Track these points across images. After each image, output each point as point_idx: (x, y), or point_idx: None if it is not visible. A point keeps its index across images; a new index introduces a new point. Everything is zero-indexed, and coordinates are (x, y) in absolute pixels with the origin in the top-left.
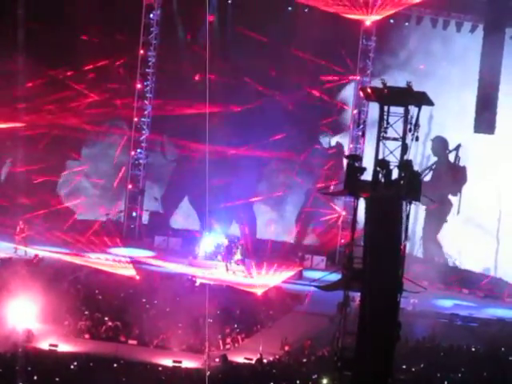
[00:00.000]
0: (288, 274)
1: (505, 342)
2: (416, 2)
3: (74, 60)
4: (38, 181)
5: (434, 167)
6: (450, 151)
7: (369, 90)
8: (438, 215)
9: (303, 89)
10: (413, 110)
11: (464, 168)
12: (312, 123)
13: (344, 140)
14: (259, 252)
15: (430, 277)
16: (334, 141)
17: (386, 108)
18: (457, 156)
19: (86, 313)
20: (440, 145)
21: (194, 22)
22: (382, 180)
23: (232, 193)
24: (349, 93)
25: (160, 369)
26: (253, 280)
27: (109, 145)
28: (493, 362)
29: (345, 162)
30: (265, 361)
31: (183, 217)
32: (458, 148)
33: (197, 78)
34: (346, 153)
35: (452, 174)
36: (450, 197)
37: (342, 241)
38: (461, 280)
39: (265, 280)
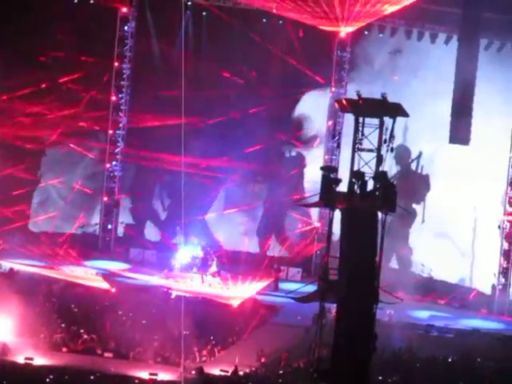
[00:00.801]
0: (263, 285)
1: (480, 353)
2: (389, 13)
3: (49, 73)
4: (13, 193)
5: (397, 176)
6: (413, 160)
7: (344, 102)
8: (403, 224)
9: (277, 100)
10: (388, 121)
11: (427, 176)
12: (282, 135)
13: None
14: (235, 263)
15: (405, 288)
16: (294, 151)
17: (361, 119)
18: (419, 165)
19: (62, 326)
20: (403, 154)
21: (168, 33)
22: (358, 191)
23: (206, 204)
24: (317, 104)
25: (136, 381)
26: (228, 292)
27: (84, 157)
28: (469, 372)
29: (306, 171)
30: (241, 373)
31: (157, 229)
32: (419, 157)
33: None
34: (322, 164)
35: (415, 183)
36: (414, 205)
37: (318, 252)
38: (436, 291)
39: (240, 292)
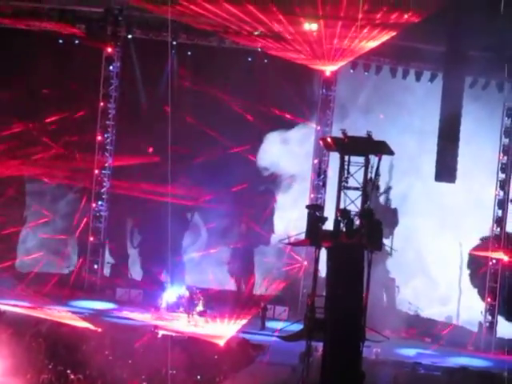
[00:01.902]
0: (250, 324)
1: None
2: (374, 52)
3: (36, 112)
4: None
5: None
6: (381, 194)
7: (329, 140)
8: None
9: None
10: (373, 159)
11: (395, 210)
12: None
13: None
14: (221, 302)
15: (392, 326)
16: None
17: (346, 158)
18: (387, 198)
19: (49, 366)
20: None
21: (153, 73)
22: (344, 229)
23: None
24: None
25: None
26: (215, 331)
27: (70, 197)
28: None
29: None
30: None
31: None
32: (388, 190)
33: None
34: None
35: (383, 217)
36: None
37: (304, 291)
38: (423, 328)
39: (227, 330)
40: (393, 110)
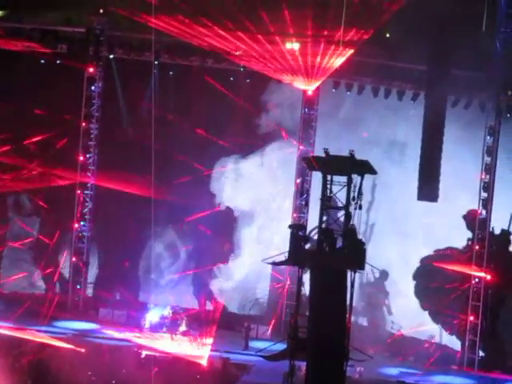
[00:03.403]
0: (233, 343)
1: None
2: (353, 70)
3: (17, 131)
4: None
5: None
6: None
7: (311, 160)
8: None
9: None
10: (356, 178)
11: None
12: None
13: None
14: (205, 322)
15: (375, 345)
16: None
17: (329, 177)
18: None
19: None
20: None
21: (135, 93)
22: (327, 249)
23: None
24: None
25: None
26: (198, 351)
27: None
28: None
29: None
30: None
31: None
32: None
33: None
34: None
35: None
36: None
37: (287, 310)
38: (406, 348)
39: (210, 351)
40: (376, 129)
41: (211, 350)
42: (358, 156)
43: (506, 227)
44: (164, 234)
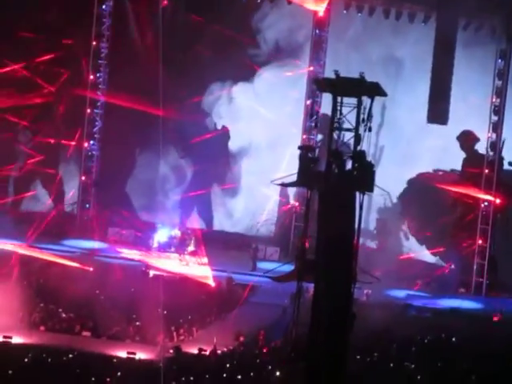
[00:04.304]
0: (241, 264)
1: (456, 332)
2: None
3: (26, 52)
4: None
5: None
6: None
7: (322, 81)
8: None
9: None
10: (366, 100)
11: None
12: None
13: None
14: (213, 243)
15: (383, 267)
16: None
17: (339, 99)
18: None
19: (41, 305)
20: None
21: (145, 13)
22: (336, 171)
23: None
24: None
25: (114, 360)
26: (206, 271)
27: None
28: (444, 350)
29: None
30: (219, 352)
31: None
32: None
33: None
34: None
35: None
36: None
37: (296, 232)
38: (415, 271)
39: (218, 271)
40: (386, 52)
41: (218, 271)
42: (368, 78)
43: None
44: (169, 154)
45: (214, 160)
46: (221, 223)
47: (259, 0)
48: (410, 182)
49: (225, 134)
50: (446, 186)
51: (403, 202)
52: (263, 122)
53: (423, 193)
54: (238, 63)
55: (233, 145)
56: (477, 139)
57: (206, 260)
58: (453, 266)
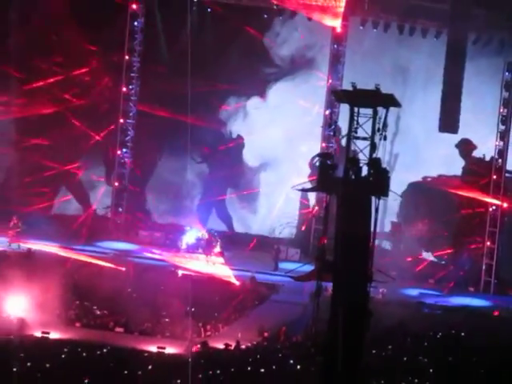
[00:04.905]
0: (264, 265)
1: (467, 328)
2: (383, 9)
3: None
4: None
5: None
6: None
7: (340, 93)
8: None
9: None
10: (381, 111)
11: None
12: None
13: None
14: (238, 245)
15: (397, 268)
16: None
17: (356, 109)
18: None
19: (76, 302)
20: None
21: (175, 29)
22: (353, 177)
23: (211, 188)
24: None
25: (145, 354)
26: (231, 271)
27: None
28: (454, 346)
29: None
30: (243, 347)
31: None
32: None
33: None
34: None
35: None
36: None
37: (315, 234)
38: (427, 270)
39: (243, 271)
40: (400, 65)
41: (242, 271)
42: (384, 90)
43: None
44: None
45: (231, 167)
46: (244, 225)
47: (281, 17)
48: (414, 185)
49: (240, 143)
50: (450, 189)
51: (406, 203)
52: (279, 132)
53: (428, 195)
54: (254, 77)
55: (253, 152)
56: (474, 147)
57: (231, 260)
58: (466, 267)
